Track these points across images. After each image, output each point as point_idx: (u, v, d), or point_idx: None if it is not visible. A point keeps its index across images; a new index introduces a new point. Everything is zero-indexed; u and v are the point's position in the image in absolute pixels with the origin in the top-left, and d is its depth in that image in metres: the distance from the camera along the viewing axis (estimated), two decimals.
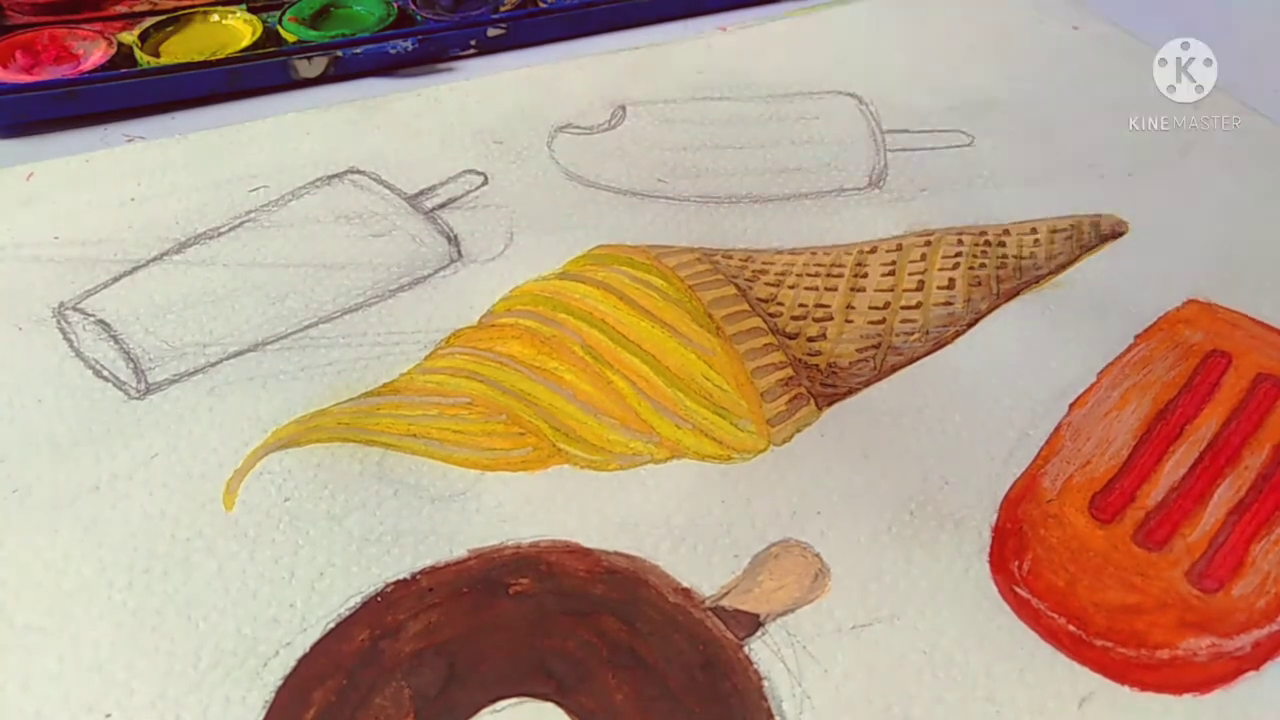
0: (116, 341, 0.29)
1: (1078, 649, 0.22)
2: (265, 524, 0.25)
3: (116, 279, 0.31)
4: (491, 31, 0.43)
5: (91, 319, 0.30)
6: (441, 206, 0.34)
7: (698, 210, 0.34)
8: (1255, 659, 0.22)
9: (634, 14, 0.45)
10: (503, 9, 0.44)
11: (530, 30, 0.44)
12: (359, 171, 0.36)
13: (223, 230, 0.33)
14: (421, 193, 0.35)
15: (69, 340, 0.29)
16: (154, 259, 0.32)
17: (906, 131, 0.38)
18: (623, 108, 0.39)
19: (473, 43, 0.43)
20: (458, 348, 0.29)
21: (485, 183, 0.35)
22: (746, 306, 0.30)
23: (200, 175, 0.35)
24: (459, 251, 0.32)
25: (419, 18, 0.44)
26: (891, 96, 0.40)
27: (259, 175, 0.35)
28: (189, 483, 0.26)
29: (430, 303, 0.31)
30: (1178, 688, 0.21)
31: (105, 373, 0.28)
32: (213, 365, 0.29)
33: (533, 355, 0.29)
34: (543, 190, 0.35)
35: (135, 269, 0.31)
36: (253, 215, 0.34)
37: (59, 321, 0.30)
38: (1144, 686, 0.21)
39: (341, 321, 0.30)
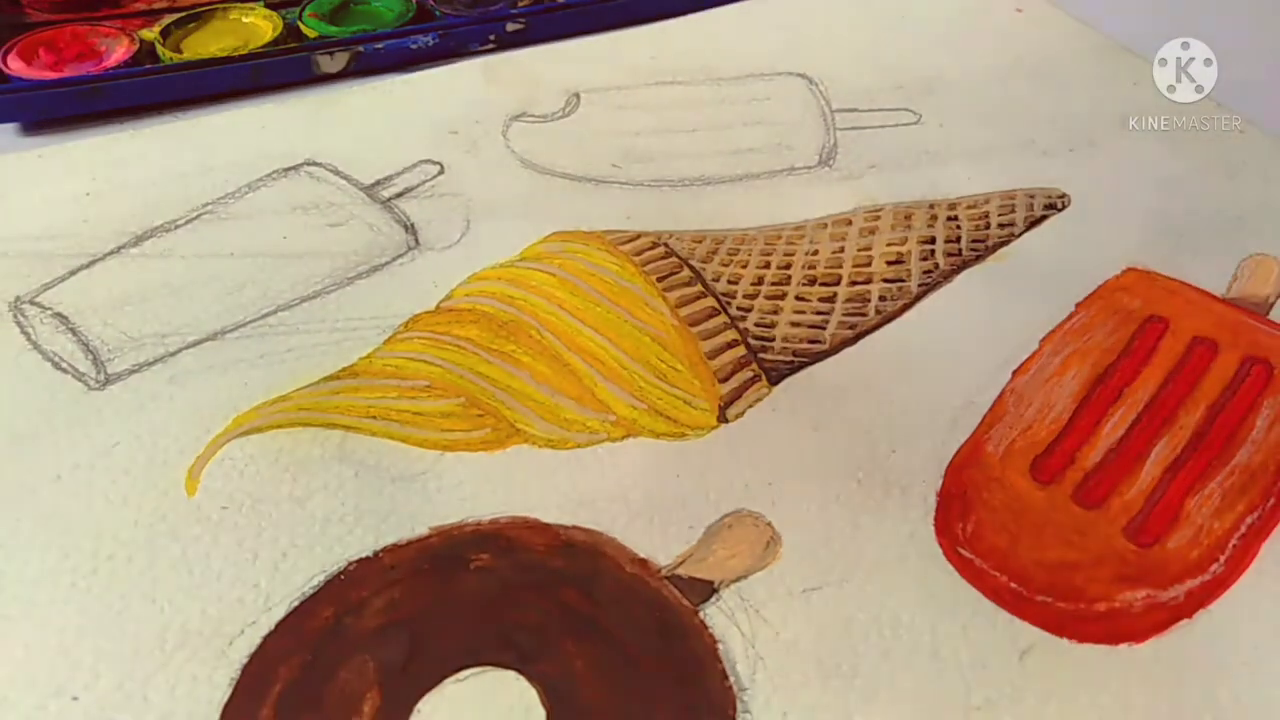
0: (75, 334, 0.29)
1: (1019, 605, 0.23)
2: (228, 508, 0.25)
3: (73, 272, 0.31)
4: (510, 26, 0.43)
5: (49, 312, 0.30)
6: (398, 196, 0.35)
7: (652, 194, 0.35)
8: (1188, 608, 0.23)
9: (652, 7, 0.45)
10: (521, 4, 0.44)
11: (549, 24, 0.44)
12: (315, 163, 0.36)
13: (179, 223, 0.33)
14: (378, 183, 0.35)
15: (26, 334, 0.29)
16: (111, 252, 0.32)
17: (855, 110, 0.38)
18: (576, 95, 0.40)
19: (492, 38, 0.43)
20: (416, 332, 0.30)
21: (441, 172, 0.36)
22: (700, 288, 0.31)
23: (156, 169, 0.35)
24: (416, 240, 0.33)
25: (437, 13, 0.44)
26: (841, 76, 0.40)
27: (215, 168, 0.35)
28: (151, 470, 0.26)
29: (388, 290, 0.31)
30: (1114, 638, 0.22)
31: (64, 364, 0.28)
32: (172, 355, 0.29)
33: (490, 338, 0.29)
34: (499, 179, 0.36)
35: (92, 262, 0.32)
36: (209, 207, 0.34)
37: (16, 316, 0.30)
38: (1082, 638, 0.22)
39: (300, 309, 0.30)
